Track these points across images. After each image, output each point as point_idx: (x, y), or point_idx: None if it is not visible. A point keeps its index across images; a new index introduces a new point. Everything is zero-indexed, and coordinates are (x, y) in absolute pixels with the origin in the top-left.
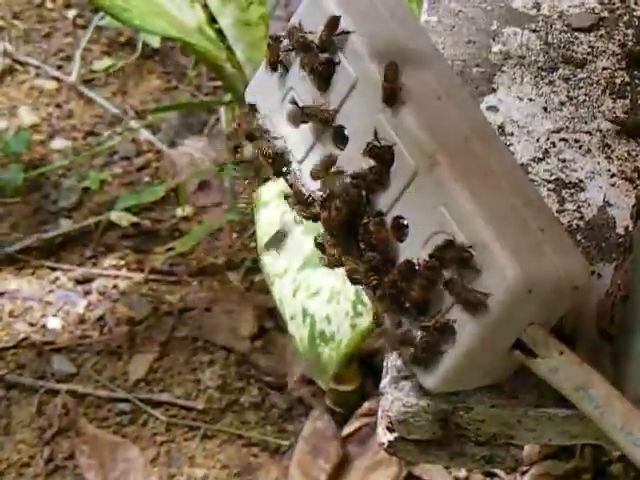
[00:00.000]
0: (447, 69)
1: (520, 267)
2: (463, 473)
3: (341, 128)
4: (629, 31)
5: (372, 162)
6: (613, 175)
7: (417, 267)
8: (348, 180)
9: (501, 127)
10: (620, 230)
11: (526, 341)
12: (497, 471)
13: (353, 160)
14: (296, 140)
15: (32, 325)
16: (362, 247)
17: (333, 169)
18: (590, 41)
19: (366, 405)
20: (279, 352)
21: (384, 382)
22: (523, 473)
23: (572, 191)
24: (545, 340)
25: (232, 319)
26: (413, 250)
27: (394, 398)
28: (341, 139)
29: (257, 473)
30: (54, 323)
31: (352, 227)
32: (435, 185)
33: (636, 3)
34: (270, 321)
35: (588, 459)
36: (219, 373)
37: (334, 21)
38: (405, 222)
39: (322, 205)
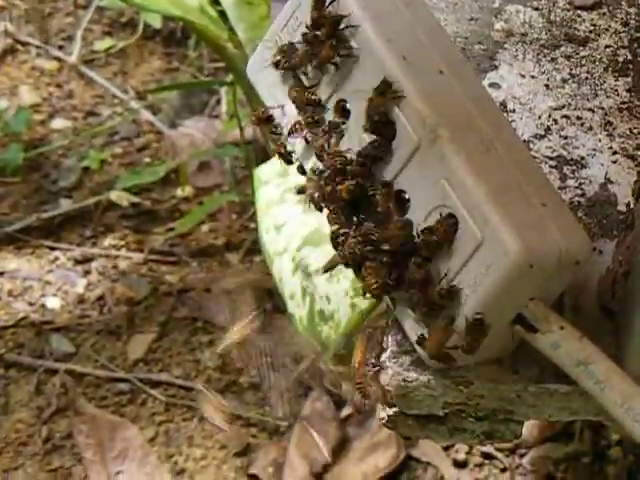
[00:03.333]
0: (450, 44)
1: (522, 242)
2: (462, 455)
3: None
4: (631, 10)
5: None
6: (615, 152)
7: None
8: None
9: (503, 104)
10: (621, 207)
11: (527, 316)
12: (496, 453)
13: (355, 135)
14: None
15: (31, 304)
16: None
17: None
18: (592, 19)
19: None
20: (278, 332)
21: (384, 357)
22: (522, 456)
23: (574, 168)
24: (546, 315)
25: (231, 300)
26: (414, 224)
27: (394, 372)
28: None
29: (256, 454)
30: (53, 303)
31: (355, 202)
32: (437, 159)
33: None
34: (269, 301)
35: (587, 442)
36: (218, 353)
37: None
38: (407, 196)
39: (326, 181)
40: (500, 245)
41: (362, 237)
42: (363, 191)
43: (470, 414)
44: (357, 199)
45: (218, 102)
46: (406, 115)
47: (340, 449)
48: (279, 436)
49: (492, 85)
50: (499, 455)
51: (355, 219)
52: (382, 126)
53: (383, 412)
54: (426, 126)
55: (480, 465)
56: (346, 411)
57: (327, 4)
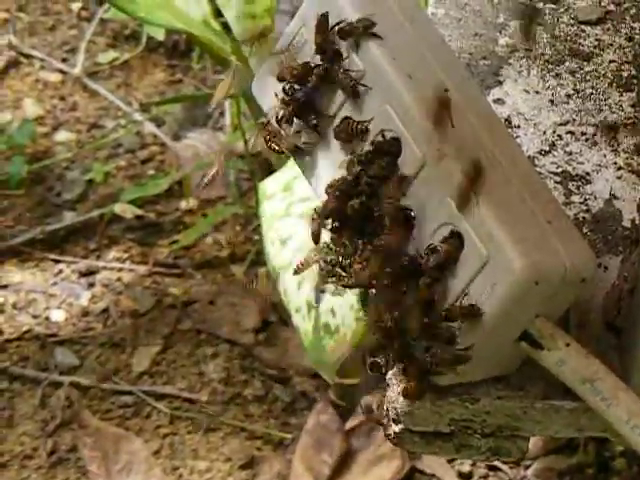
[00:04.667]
0: (455, 61)
1: (527, 259)
2: (466, 467)
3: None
4: (636, 24)
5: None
6: (620, 168)
7: (421, 260)
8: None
9: (508, 120)
10: (626, 223)
11: (533, 333)
12: (500, 465)
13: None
14: None
15: (36, 317)
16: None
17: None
18: (597, 34)
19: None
20: (283, 345)
21: (390, 373)
22: (527, 467)
23: (578, 184)
24: (552, 332)
25: (236, 312)
26: (420, 242)
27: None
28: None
29: (260, 466)
30: (58, 315)
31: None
32: (443, 177)
33: None
34: (274, 314)
35: (591, 454)
36: (223, 366)
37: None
38: (412, 213)
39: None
40: (506, 262)
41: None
42: (369, 211)
43: (476, 431)
44: (362, 219)
45: (222, 114)
46: (411, 133)
47: (344, 461)
48: (284, 448)
49: (497, 101)
50: (504, 467)
51: (360, 242)
52: (387, 145)
53: (389, 429)
54: (431, 144)
55: (485, 477)
56: (351, 423)
57: (331, 27)
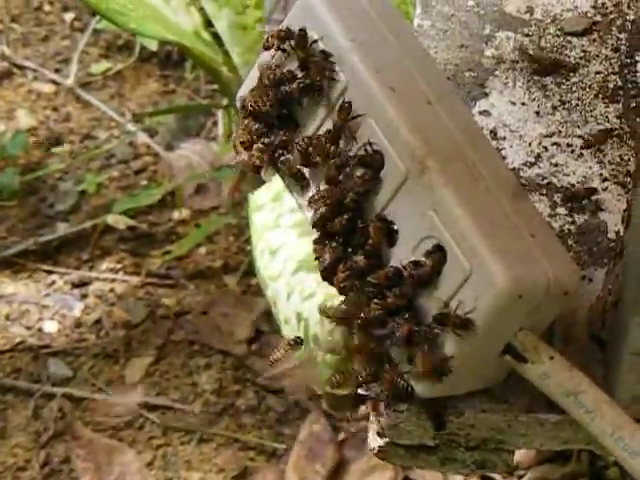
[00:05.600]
0: (438, 74)
1: (510, 272)
2: (459, 477)
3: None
4: (622, 35)
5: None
6: (605, 179)
7: (404, 273)
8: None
9: (493, 131)
10: (612, 235)
11: (516, 346)
12: (494, 475)
13: None
14: None
15: (28, 328)
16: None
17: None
18: (583, 45)
19: (363, 409)
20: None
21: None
22: (520, 477)
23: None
24: (535, 345)
25: (228, 322)
26: (403, 256)
27: None
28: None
29: (253, 477)
30: (50, 326)
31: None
32: (425, 190)
33: (629, 7)
34: (266, 324)
35: (585, 463)
36: (215, 377)
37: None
38: (395, 227)
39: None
40: (488, 276)
41: (350, 271)
42: (354, 224)
43: (461, 444)
44: (348, 232)
45: (215, 124)
46: (394, 146)
47: (337, 472)
48: (277, 459)
49: (483, 113)
50: (497, 477)
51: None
52: (370, 159)
53: (374, 442)
54: (414, 157)
55: None
56: (343, 434)
57: (311, 42)
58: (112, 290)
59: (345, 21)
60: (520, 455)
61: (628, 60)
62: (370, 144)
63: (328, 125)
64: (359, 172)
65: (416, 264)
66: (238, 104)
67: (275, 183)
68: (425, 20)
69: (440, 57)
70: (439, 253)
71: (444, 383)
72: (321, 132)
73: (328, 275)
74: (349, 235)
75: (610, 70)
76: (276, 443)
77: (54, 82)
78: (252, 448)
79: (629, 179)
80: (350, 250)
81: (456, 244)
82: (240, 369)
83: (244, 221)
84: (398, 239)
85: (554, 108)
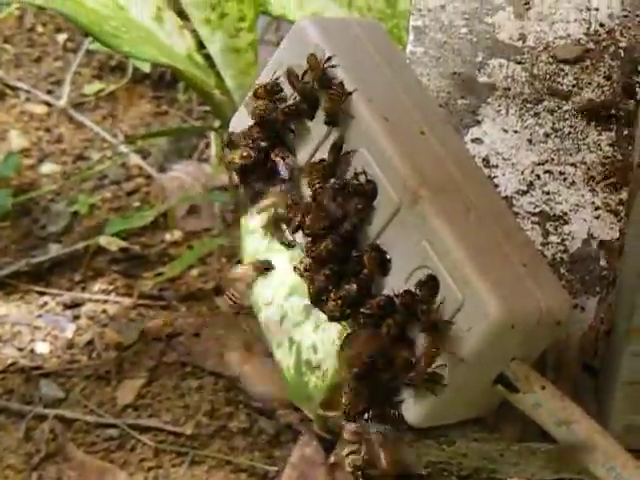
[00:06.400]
0: (431, 102)
1: (503, 302)
2: None
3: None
4: (614, 63)
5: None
6: (597, 208)
7: (396, 302)
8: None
9: (486, 159)
10: (604, 263)
11: (508, 376)
12: None
13: None
14: None
15: (20, 350)
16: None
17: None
18: (575, 73)
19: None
20: (268, 377)
21: (367, 415)
22: None
23: (556, 224)
24: (527, 375)
25: (220, 344)
26: (395, 285)
27: (377, 430)
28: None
29: None
30: (42, 348)
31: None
32: (418, 220)
33: (622, 35)
34: (258, 346)
35: None
36: (207, 398)
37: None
38: (388, 256)
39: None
40: (481, 306)
41: (342, 300)
42: (345, 252)
43: (453, 473)
44: (339, 260)
45: (207, 146)
46: (387, 176)
47: None
48: None
49: (475, 140)
50: None
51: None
52: (364, 188)
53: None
54: (407, 187)
55: None
56: (334, 457)
57: (303, 73)
58: (104, 311)
59: (338, 49)
60: None
61: (620, 88)
62: (363, 173)
63: (321, 154)
64: (353, 202)
65: (409, 294)
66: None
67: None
68: (418, 47)
69: (433, 84)
70: (432, 283)
71: (436, 412)
72: (315, 159)
73: (318, 302)
74: (342, 263)
75: (602, 98)
76: (268, 465)
77: (47, 103)
78: (244, 470)
79: (622, 207)
80: (342, 278)
81: (449, 274)
82: (232, 391)
83: (236, 243)
84: (391, 269)
85: (547, 136)
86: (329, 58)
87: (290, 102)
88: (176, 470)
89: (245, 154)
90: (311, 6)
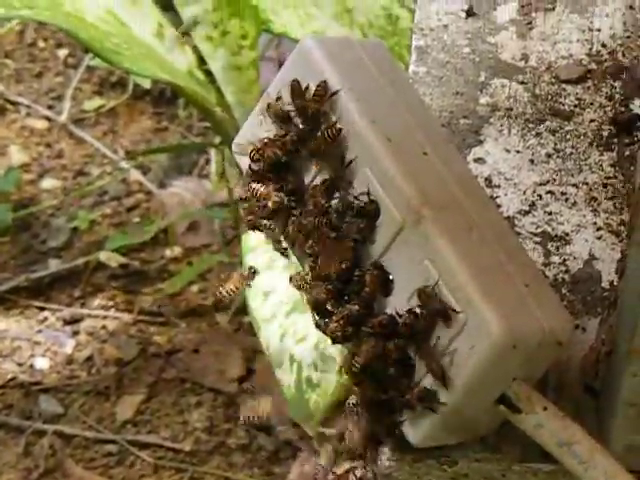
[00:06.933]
0: (434, 122)
1: (505, 323)
2: None
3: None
4: (616, 83)
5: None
6: (599, 228)
7: (399, 321)
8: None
9: (488, 179)
10: (605, 284)
11: (510, 396)
12: None
13: None
14: None
15: (20, 365)
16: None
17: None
18: (577, 93)
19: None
20: (267, 394)
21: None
22: None
23: (558, 244)
24: (529, 395)
25: (220, 361)
26: (398, 305)
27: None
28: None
29: None
30: (42, 363)
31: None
32: (421, 240)
33: (624, 55)
34: (258, 363)
35: None
36: (207, 415)
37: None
38: (390, 276)
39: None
40: (483, 326)
41: (344, 320)
42: (350, 272)
43: None
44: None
45: (207, 162)
46: (390, 196)
47: None
48: None
49: (477, 160)
50: None
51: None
52: (366, 208)
53: None
54: (410, 207)
55: None
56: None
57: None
58: (104, 327)
59: (341, 70)
60: None
61: (622, 108)
62: (367, 194)
63: (324, 176)
64: (355, 221)
65: (412, 314)
66: (235, 155)
67: None
68: (420, 67)
69: (435, 104)
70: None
71: (437, 432)
72: (317, 181)
73: (320, 326)
74: (344, 283)
75: (604, 118)
76: None
77: (47, 118)
78: None
79: (623, 228)
80: (344, 297)
81: (451, 294)
82: (231, 407)
83: (236, 259)
84: (393, 288)
85: (549, 156)
86: (334, 93)
87: (291, 134)
88: None
89: (277, 199)
90: (313, 24)
